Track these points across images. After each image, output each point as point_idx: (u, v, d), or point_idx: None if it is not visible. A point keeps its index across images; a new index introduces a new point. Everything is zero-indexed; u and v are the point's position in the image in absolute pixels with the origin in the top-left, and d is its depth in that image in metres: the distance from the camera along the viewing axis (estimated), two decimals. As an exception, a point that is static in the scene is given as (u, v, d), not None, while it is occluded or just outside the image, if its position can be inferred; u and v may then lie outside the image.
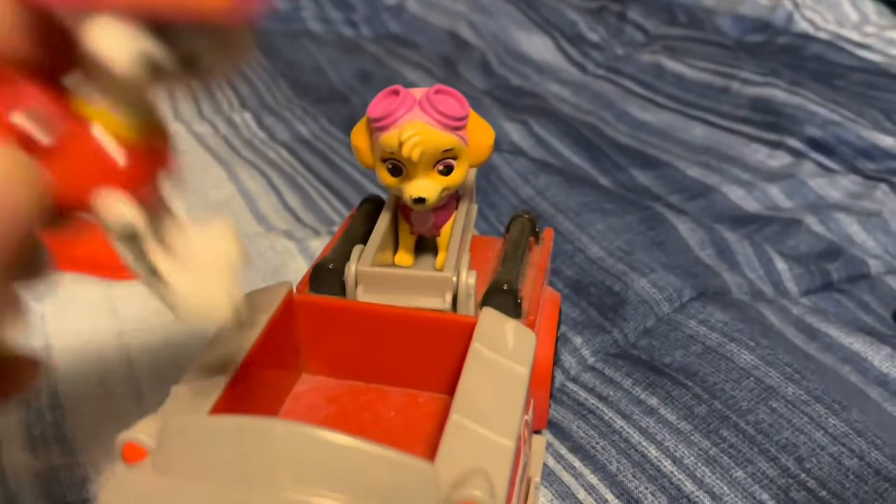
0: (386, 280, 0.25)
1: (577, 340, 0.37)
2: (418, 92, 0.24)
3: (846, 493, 0.29)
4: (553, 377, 0.33)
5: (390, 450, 0.16)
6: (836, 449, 0.30)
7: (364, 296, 0.25)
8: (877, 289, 0.42)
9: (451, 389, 0.25)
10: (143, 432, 0.18)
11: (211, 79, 0.16)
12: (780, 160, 0.56)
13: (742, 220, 0.49)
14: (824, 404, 0.32)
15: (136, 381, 0.33)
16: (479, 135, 0.25)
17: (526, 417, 0.23)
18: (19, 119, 0.15)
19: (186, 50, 0.15)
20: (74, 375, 0.32)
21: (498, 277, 0.26)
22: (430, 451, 0.23)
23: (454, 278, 0.25)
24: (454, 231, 0.26)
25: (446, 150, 0.24)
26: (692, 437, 0.31)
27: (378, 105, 0.24)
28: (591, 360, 0.36)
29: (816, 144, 0.56)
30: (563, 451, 0.31)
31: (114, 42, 0.14)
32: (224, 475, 0.16)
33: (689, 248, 0.43)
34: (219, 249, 0.17)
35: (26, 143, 0.15)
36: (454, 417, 0.19)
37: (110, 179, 0.16)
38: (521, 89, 0.69)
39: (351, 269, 0.25)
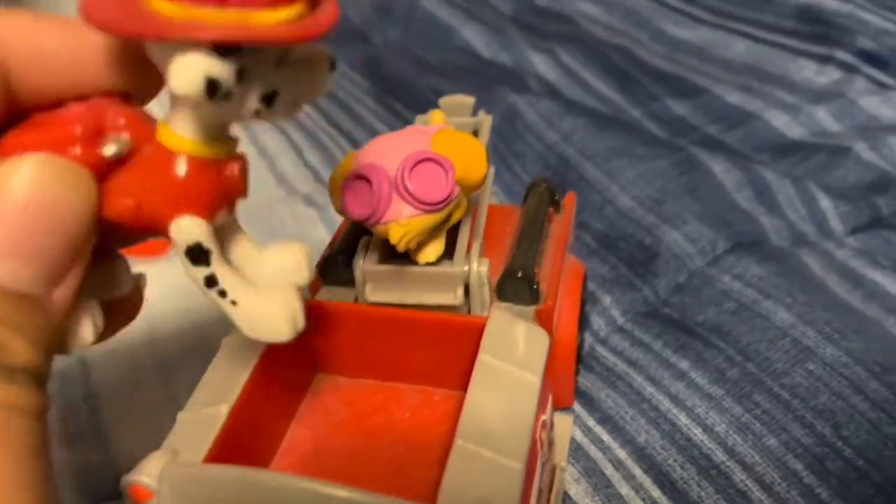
0: (395, 277, 0.24)
1: (607, 300, 0.36)
2: (390, 161, 0.22)
3: (884, 463, 0.28)
4: (581, 342, 0.32)
5: (388, 498, 0.16)
6: (875, 416, 0.29)
7: (373, 293, 0.25)
8: (930, 223, 0.40)
9: (465, 385, 0.25)
10: (146, 474, 0.18)
11: (291, 115, 0.16)
12: (828, 76, 0.53)
13: (785, 150, 0.46)
14: (864, 366, 0.30)
15: (166, 366, 0.33)
16: (470, 166, 0.23)
17: (543, 418, 0.23)
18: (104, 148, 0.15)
19: (267, 85, 0.15)
20: (105, 367, 0.33)
21: (512, 262, 0.25)
22: (444, 455, 0.23)
23: (465, 269, 0.24)
24: (463, 218, 0.25)
25: (442, 221, 0.23)
26: (723, 403, 0.30)
27: (354, 204, 0.22)
28: (620, 321, 0.35)
29: (869, 57, 0.52)
30: (592, 423, 0.31)
31: (178, 65, 0.14)
32: None
33: (725, 191, 0.41)
34: (286, 269, 0.18)
35: (95, 159, 0.15)
36: (459, 443, 0.19)
37: (178, 196, 0.16)
38: (548, 11, 0.65)
39: (358, 265, 0.25)
